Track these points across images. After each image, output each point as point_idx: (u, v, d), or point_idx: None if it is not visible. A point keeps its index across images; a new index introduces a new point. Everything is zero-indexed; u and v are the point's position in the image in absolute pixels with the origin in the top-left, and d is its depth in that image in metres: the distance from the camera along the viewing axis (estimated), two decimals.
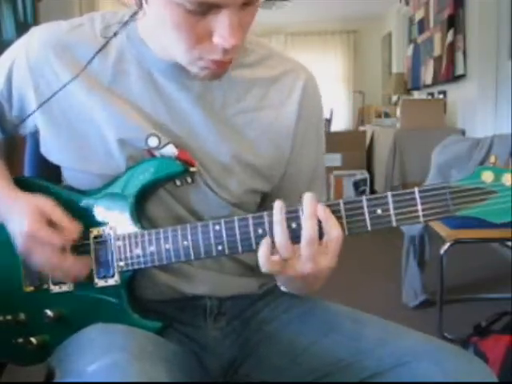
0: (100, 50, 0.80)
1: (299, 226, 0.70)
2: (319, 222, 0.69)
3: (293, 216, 0.71)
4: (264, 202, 0.91)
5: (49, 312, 0.81)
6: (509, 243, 2.95)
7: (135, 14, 0.79)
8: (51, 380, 0.78)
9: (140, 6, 0.71)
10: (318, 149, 0.92)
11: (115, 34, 0.81)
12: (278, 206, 0.71)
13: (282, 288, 0.81)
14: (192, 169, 0.80)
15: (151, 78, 0.81)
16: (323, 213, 0.69)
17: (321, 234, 0.70)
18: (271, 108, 0.86)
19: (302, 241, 0.69)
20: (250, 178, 0.85)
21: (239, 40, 0.69)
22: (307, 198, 0.70)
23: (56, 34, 0.83)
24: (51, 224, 0.77)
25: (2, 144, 0.91)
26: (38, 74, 0.82)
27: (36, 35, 0.84)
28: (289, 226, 0.70)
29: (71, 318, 0.81)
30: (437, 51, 4.48)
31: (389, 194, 0.69)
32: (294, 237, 0.70)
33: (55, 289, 0.82)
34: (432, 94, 4.86)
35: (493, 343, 1.70)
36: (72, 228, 0.77)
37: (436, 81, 4.56)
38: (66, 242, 0.77)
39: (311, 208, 0.69)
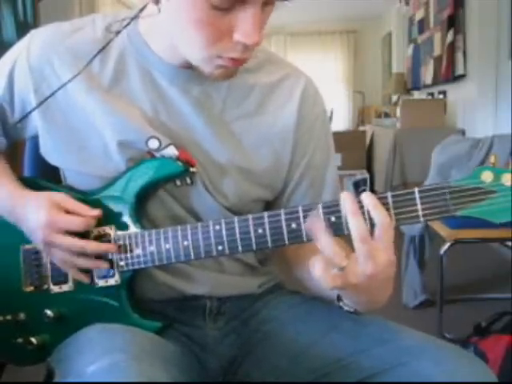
0: (102, 48, 0.80)
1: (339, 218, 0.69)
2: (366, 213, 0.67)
3: (332, 210, 0.69)
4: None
5: (49, 312, 0.81)
6: (509, 243, 2.95)
7: (141, 11, 0.79)
8: (51, 380, 0.78)
9: (157, 2, 0.70)
10: (326, 157, 0.90)
11: (117, 33, 0.80)
12: (349, 197, 0.67)
13: (346, 308, 0.77)
14: (192, 169, 0.80)
15: (151, 78, 0.81)
16: (369, 200, 0.67)
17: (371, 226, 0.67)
18: (270, 114, 0.85)
19: (354, 239, 0.66)
20: (247, 183, 0.85)
21: (260, 38, 0.69)
22: (345, 195, 0.67)
23: (58, 35, 0.83)
24: (68, 213, 0.77)
25: (5, 149, 0.90)
26: (39, 75, 0.81)
27: (37, 37, 0.83)
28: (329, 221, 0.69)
29: (71, 318, 0.81)
30: (437, 51, 4.48)
31: (389, 194, 0.69)
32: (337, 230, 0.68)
33: (55, 289, 0.82)
34: (432, 94, 4.86)
35: (493, 343, 1.70)
36: (90, 212, 0.78)
37: (436, 81, 4.56)
38: (86, 224, 0.77)
39: (353, 204, 0.67)
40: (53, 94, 0.80)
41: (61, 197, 0.79)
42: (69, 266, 0.79)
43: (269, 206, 0.91)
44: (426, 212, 0.67)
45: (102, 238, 0.79)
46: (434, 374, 0.71)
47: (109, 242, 0.79)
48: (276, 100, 0.86)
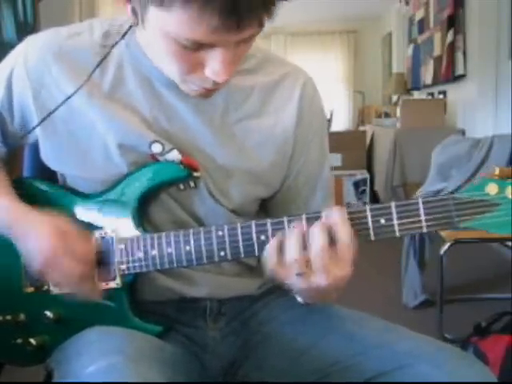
0: (101, 61, 0.80)
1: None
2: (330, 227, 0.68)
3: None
4: (264, 209, 0.91)
5: (49, 313, 0.81)
6: (509, 243, 2.95)
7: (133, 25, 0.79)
8: (50, 381, 0.78)
9: (136, 24, 0.70)
10: (321, 154, 0.91)
11: (114, 45, 0.80)
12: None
13: (298, 298, 0.79)
14: (196, 174, 0.80)
15: (150, 85, 0.81)
16: (338, 216, 0.68)
17: (331, 241, 0.68)
18: (271, 113, 0.86)
19: (313, 251, 0.67)
20: (251, 184, 0.85)
21: (230, 75, 0.69)
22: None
23: (55, 40, 0.82)
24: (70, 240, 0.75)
25: (4, 157, 0.89)
26: (38, 82, 0.81)
27: (34, 42, 0.83)
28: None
29: (71, 320, 0.81)
30: (437, 51, 4.48)
31: (392, 204, 0.68)
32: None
33: (55, 290, 0.82)
34: (432, 94, 4.86)
35: (493, 343, 1.70)
36: (88, 241, 0.77)
37: (436, 81, 4.56)
38: (86, 251, 0.76)
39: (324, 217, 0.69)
40: (56, 109, 0.80)
41: (64, 224, 0.76)
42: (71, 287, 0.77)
43: (263, 202, 0.91)
44: (430, 223, 0.67)
45: (103, 239, 0.79)
46: (434, 375, 0.72)
47: (110, 244, 0.79)
48: (276, 100, 0.86)
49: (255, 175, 0.85)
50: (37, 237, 0.75)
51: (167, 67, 0.73)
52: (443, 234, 2.15)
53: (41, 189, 0.86)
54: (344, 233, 0.67)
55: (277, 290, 0.94)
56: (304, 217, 0.71)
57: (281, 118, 0.86)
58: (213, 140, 0.82)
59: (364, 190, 4.60)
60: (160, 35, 0.67)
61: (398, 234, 0.68)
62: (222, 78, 0.68)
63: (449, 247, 2.10)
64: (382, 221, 0.69)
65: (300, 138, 0.87)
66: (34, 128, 0.82)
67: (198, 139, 0.82)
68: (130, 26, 0.79)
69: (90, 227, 0.80)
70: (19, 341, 0.84)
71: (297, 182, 0.89)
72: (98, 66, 0.80)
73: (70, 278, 0.75)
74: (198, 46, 0.66)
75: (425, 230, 0.68)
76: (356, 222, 0.69)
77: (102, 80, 0.81)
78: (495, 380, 0.74)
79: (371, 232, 0.69)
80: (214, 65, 0.68)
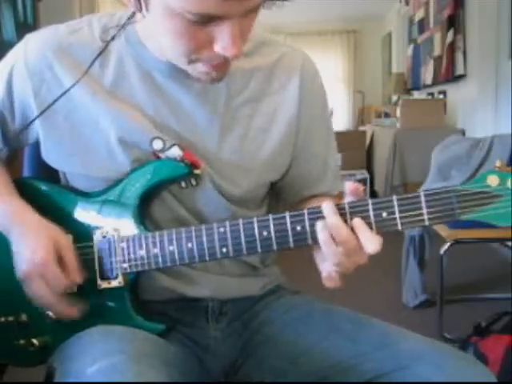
0: (99, 54, 0.80)
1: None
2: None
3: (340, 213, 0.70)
4: (275, 193, 0.92)
5: (50, 313, 0.81)
6: (509, 243, 2.95)
7: (132, 16, 0.80)
8: (50, 380, 0.78)
9: (140, 10, 0.70)
10: (327, 135, 0.92)
11: (113, 38, 0.81)
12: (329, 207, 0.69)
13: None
14: (196, 171, 0.80)
15: (152, 79, 0.81)
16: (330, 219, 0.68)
17: None
18: (273, 95, 0.86)
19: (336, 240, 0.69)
20: (259, 169, 0.85)
21: (240, 49, 0.68)
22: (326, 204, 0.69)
23: (55, 37, 0.82)
24: (60, 262, 0.76)
25: (6, 158, 0.89)
26: (38, 78, 0.81)
27: (33, 40, 0.83)
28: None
29: (73, 320, 0.81)
30: (437, 51, 4.48)
31: (394, 197, 0.68)
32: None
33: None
34: (432, 94, 4.87)
35: (493, 343, 1.70)
36: (78, 275, 0.77)
37: (436, 81, 4.56)
38: (68, 286, 0.76)
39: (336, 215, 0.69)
40: (55, 100, 0.80)
41: (64, 243, 0.77)
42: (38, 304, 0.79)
43: (274, 186, 0.92)
44: (432, 216, 0.67)
45: (104, 239, 0.79)
46: (435, 377, 0.72)
47: (112, 243, 0.79)
48: (277, 80, 0.87)
49: (263, 159, 0.85)
50: (32, 243, 0.76)
51: (174, 50, 0.72)
52: (443, 233, 2.16)
53: (41, 188, 0.86)
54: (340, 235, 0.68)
55: (279, 291, 0.94)
56: (306, 211, 0.70)
57: (282, 98, 0.86)
58: (218, 129, 0.82)
59: (364, 190, 4.59)
60: (165, 15, 0.66)
61: (400, 227, 0.68)
62: (232, 52, 0.68)
63: (449, 247, 2.10)
64: (384, 214, 0.68)
65: (303, 119, 0.88)
66: (33, 119, 0.82)
67: (202, 130, 0.82)
68: (130, 16, 0.79)
69: (91, 226, 0.81)
70: (22, 342, 0.84)
71: (302, 166, 0.90)
72: (96, 58, 0.80)
73: (40, 298, 0.77)
74: (206, 20, 0.65)
75: (427, 222, 0.67)
76: (357, 215, 0.69)
77: (103, 76, 0.81)
78: (495, 380, 0.74)
79: (373, 225, 0.68)
80: (223, 40, 0.67)
